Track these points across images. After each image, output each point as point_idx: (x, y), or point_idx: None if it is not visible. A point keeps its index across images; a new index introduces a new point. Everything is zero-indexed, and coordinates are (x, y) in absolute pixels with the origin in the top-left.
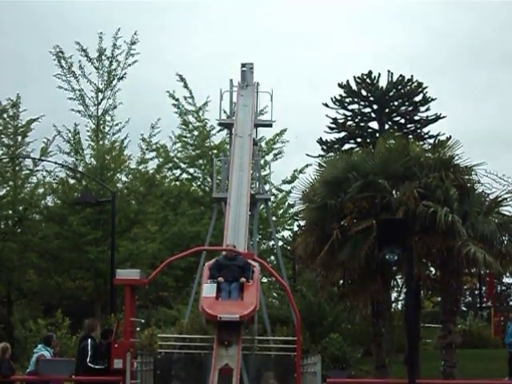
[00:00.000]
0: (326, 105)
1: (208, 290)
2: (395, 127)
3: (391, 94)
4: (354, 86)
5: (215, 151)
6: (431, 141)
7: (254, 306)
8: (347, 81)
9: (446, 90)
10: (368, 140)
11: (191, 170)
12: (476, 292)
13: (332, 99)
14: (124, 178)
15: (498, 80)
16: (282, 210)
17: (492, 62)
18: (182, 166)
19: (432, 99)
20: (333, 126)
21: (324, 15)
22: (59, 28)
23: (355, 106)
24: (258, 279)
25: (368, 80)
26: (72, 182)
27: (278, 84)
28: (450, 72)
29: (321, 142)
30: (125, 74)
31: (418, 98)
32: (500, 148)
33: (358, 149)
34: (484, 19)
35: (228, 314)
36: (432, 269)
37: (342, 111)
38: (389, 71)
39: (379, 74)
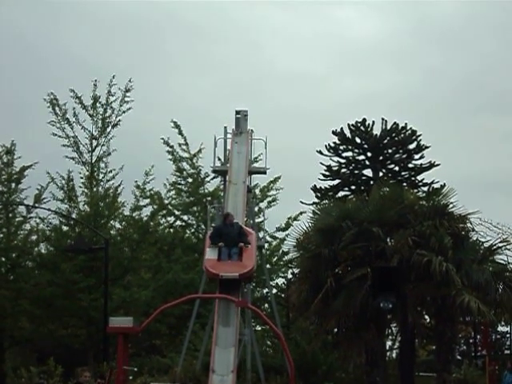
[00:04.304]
0: (321, 152)
1: (210, 253)
2: (389, 175)
3: (385, 141)
4: (348, 134)
5: (209, 198)
6: (425, 188)
7: (252, 266)
8: (341, 128)
9: (440, 136)
10: (362, 187)
11: (185, 217)
12: (471, 340)
13: (326, 146)
14: (117, 225)
15: (493, 125)
16: (276, 258)
17: (487, 106)
18: (176, 212)
19: (426, 147)
20: (327, 173)
21: (318, 60)
22: (53, 75)
23: (349, 154)
24: (254, 244)
25: (362, 127)
26: (65, 228)
27: (272, 130)
28: (444, 117)
29: (315, 189)
30: (119, 121)
31: (412, 146)
32: (495, 195)
33: (352, 196)
34: (480, 63)
35: (229, 273)
36: (427, 317)
37: (336, 158)
38: (383, 119)
39: (373, 122)
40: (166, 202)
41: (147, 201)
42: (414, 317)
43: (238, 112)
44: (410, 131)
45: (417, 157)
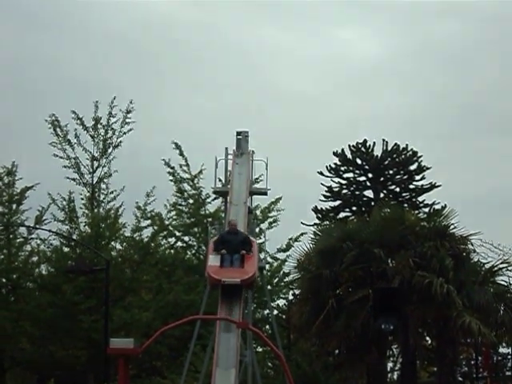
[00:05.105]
0: (321, 173)
1: (213, 260)
2: (390, 196)
3: (386, 162)
4: (348, 155)
5: (210, 219)
6: (426, 210)
7: (253, 273)
8: (342, 149)
9: (441, 157)
10: (363, 208)
11: (186, 238)
12: (472, 362)
13: (327, 167)
14: (118, 246)
15: (495, 147)
16: (277, 279)
17: (488, 127)
18: (177, 233)
19: (427, 168)
20: (328, 194)
21: (320, 81)
22: (55, 96)
23: (350, 175)
24: (256, 252)
25: (363, 148)
26: (66, 250)
27: (273, 151)
28: (446, 138)
29: (316, 210)
30: (120, 142)
31: (413, 167)
32: (497, 216)
33: (353, 217)
34: (482, 85)
35: (230, 279)
36: (428, 339)
37: (337, 179)
38: (384, 140)
39: (374, 143)
40: (167, 222)
41: (148, 222)
42: (416, 338)
43: (238, 133)
44: (410, 152)
45: (418, 178)
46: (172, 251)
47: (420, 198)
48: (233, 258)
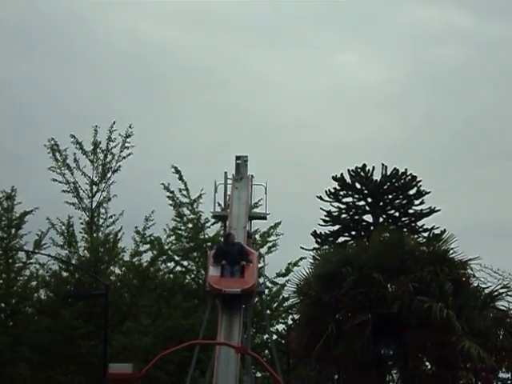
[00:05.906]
0: (321, 197)
1: (214, 270)
2: (389, 220)
3: (385, 187)
4: (348, 179)
5: (209, 243)
6: (426, 234)
7: (254, 283)
8: (341, 174)
9: (441, 181)
10: (362, 233)
11: (185, 263)
12: None
13: (326, 192)
14: (117, 271)
15: (494, 171)
16: (276, 304)
17: (488, 152)
18: (176, 258)
19: (426, 192)
20: (327, 218)
21: (318, 105)
22: (54, 120)
23: (349, 199)
24: (256, 262)
25: (362, 173)
26: (65, 274)
27: (272, 175)
28: (444, 162)
29: (315, 234)
30: (119, 166)
31: (412, 192)
32: (496, 240)
33: (352, 242)
34: (481, 108)
35: (231, 288)
36: (427, 364)
37: (336, 204)
38: (383, 164)
39: (373, 168)
40: (166, 247)
41: (147, 246)
42: (415, 363)
43: (238, 157)
44: (410, 177)
45: (417, 202)
46: (171, 276)
47: (419, 223)
48: (233, 269)
